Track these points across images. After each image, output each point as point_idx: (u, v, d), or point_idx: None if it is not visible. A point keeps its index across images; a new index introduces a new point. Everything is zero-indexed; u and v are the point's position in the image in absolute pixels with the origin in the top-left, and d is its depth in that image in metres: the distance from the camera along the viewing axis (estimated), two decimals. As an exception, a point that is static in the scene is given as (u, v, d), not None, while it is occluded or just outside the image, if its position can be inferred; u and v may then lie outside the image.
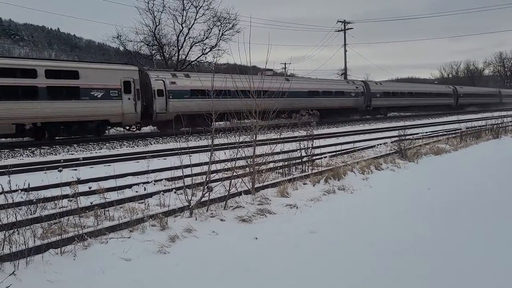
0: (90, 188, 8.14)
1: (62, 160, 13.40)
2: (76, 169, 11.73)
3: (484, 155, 13.54)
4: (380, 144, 16.06)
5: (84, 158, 14.08)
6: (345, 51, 52.08)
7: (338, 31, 52.60)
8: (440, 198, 7.73)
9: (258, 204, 7.25)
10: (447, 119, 36.03)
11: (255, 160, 8.34)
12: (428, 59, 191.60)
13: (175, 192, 7.84)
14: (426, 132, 20.39)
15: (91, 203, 6.85)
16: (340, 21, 52.31)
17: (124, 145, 19.66)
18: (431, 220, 6.42)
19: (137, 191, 8.29)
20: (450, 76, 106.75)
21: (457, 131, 20.13)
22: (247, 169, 8.43)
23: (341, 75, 55.32)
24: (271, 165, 10.08)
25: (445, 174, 10.38)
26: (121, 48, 38.54)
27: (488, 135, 18.83)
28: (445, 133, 20.76)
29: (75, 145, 18.81)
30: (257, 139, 8.28)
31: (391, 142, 15.34)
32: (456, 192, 8.25)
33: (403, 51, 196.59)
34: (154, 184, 9.14)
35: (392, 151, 13.33)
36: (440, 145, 14.95)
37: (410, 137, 15.34)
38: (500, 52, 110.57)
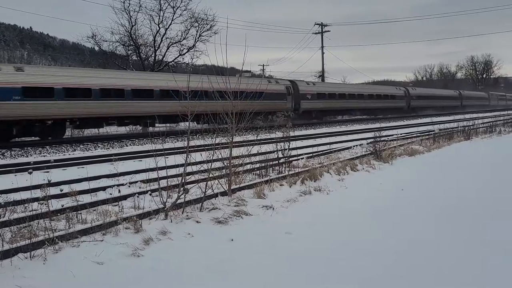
0: (61, 190, 7.93)
1: (32, 162, 13.06)
2: (48, 171, 11.45)
3: (456, 156, 13.87)
4: (356, 145, 16.24)
5: (56, 160, 13.74)
6: (323, 53, 52.61)
7: (316, 33, 53.09)
8: (413, 198, 7.87)
9: (235, 206, 7.22)
10: (422, 121, 36.78)
11: (231, 161, 8.31)
12: (404, 62, 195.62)
13: (150, 194, 7.72)
14: (401, 134, 20.73)
15: (62, 206, 6.68)
16: (317, 24, 52.82)
17: (99, 147, 19.32)
18: (405, 220, 6.52)
19: (111, 194, 8.13)
20: (424, 79, 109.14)
21: (430, 132, 20.56)
22: (224, 170, 8.40)
23: (319, 77, 55.82)
24: (248, 166, 10.07)
25: (418, 174, 10.58)
26: (96, 48, 37.89)
27: (460, 137, 19.30)
28: (419, 134, 21.17)
29: (47, 147, 18.37)
30: (234, 140, 8.26)
31: (367, 144, 15.54)
32: (428, 192, 8.41)
33: (380, 54, 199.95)
34: (129, 186, 9.00)
35: (368, 153, 13.51)
36: (414, 147, 15.23)
37: (385, 138, 15.56)
38: (472, 56, 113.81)
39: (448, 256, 4.98)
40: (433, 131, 20.51)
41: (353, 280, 4.40)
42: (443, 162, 12.57)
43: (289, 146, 11.26)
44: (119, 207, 7.07)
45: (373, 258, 4.95)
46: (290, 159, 11.37)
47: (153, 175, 8.17)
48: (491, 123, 25.90)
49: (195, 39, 36.51)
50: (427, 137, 18.74)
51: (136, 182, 9.25)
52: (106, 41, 35.34)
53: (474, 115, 33.66)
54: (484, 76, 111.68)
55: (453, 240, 5.55)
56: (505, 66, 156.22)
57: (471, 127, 21.40)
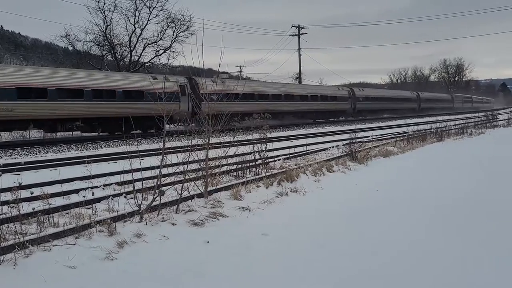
0: (32, 193, 7.74)
1: (1, 165, 12.70)
2: (19, 174, 11.15)
3: (429, 157, 14.18)
4: (333, 146, 16.42)
5: (27, 162, 13.41)
6: (300, 55, 53.06)
7: (293, 35, 53.46)
8: (388, 199, 7.99)
9: (211, 208, 7.18)
10: (396, 122, 37.52)
11: (208, 163, 8.27)
12: (380, 65, 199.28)
13: (125, 197, 7.63)
14: (376, 135, 21.07)
15: (33, 209, 6.52)
16: (294, 26, 53.19)
17: (72, 148, 18.94)
18: (380, 220, 6.62)
19: (84, 196, 7.99)
20: (399, 81, 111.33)
21: (404, 134, 20.98)
22: (200, 172, 8.35)
23: (296, 79, 56.20)
24: (225, 168, 10.04)
25: (392, 175, 10.76)
26: (70, 48, 37.15)
27: (432, 138, 19.73)
28: (394, 136, 21.58)
29: (18, 148, 17.88)
30: (210, 142, 8.23)
31: (343, 145, 15.73)
32: (403, 193, 8.56)
33: (357, 57, 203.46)
34: (103, 188, 8.84)
35: (344, 154, 13.67)
36: (388, 148, 15.48)
37: (361, 140, 15.77)
38: (444, 59, 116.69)
39: (424, 257, 5.07)
40: (407, 132, 20.94)
41: (329, 281, 4.44)
42: (416, 163, 12.82)
43: (265, 147, 11.29)
44: (92, 210, 6.95)
45: (350, 259, 4.99)
46: (267, 160, 11.40)
47: (128, 177, 8.07)
48: (462, 125, 26.59)
49: (172, 40, 36.25)
50: (401, 138, 19.10)
51: (111, 184, 9.11)
52: (80, 40, 34.73)
53: (429, 119, 33.96)
54: (456, 79, 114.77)
55: (428, 240, 5.66)
56: (476, 69, 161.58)
57: (443, 128, 21.90)
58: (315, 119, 40.80)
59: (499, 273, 4.57)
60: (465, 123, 28.71)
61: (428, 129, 21.31)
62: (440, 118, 33.64)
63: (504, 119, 36.79)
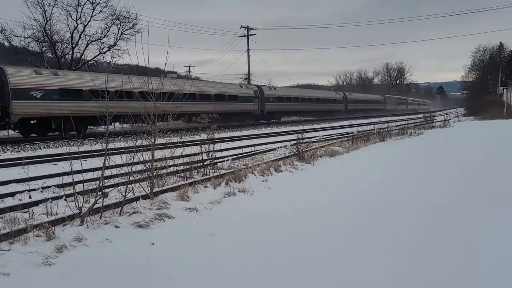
0: (-39, 197, 7.22)
1: None
2: None
3: (372, 156, 14.72)
4: (281, 147, 16.63)
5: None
6: (248, 56, 53.31)
7: (242, 36, 53.65)
8: (332, 197, 8.19)
9: (157, 209, 7.03)
10: (341, 123, 38.70)
11: (154, 164, 8.08)
12: (328, 67, 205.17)
13: (65, 200, 7.27)
14: (323, 136, 21.59)
15: (-38, 214, 6.07)
16: (243, 27, 53.39)
17: (8, 149, 17.84)
18: (325, 218, 6.76)
19: (20, 200, 7.55)
20: (345, 83, 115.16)
21: (349, 134, 21.67)
22: (146, 173, 8.15)
23: (245, 79, 56.38)
24: (172, 168, 9.87)
25: (337, 174, 11.06)
26: (6, 44, 34.98)
27: (375, 138, 20.51)
28: (339, 136, 22.23)
29: None
30: (156, 142, 8.05)
31: (291, 145, 15.97)
32: (347, 191, 8.81)
33: (306, 59, 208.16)
34: (42, 191, 8.40)
35: (291, 154, 13.88)
36: (334, 148, 15.89)
37: (308, 140, 16.09)
38: (387, 63, 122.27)
39: (360, 251, 5.24)
40: (352, 133, 21.65)
41: (276, 280, 4.46)
42: (360, 162, 13.26)
43: (213, 148, 11.23)
44: (29, 213, 6.58)
45: (297, 256, 5.05)
46: (215, 161, 11.34)
47: (69, 179, 7.72)
48: (403, 126, 27.87)
49: (116, 37, 35.13)
50: (346, 139, 19.71)
51: (50, 187, 8.67)
52: (17, 36, 32.79)
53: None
54: (398, 82, 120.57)
55: (370, 237, 5.85)
56: (416, 73, 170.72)
57: (386, 129, 22.84)
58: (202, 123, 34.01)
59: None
60: (406, 124, 30.12)
61: (372, 130, 22.15)
62: (367, 121, 33.74)
63: (440, 121, 38.97)
